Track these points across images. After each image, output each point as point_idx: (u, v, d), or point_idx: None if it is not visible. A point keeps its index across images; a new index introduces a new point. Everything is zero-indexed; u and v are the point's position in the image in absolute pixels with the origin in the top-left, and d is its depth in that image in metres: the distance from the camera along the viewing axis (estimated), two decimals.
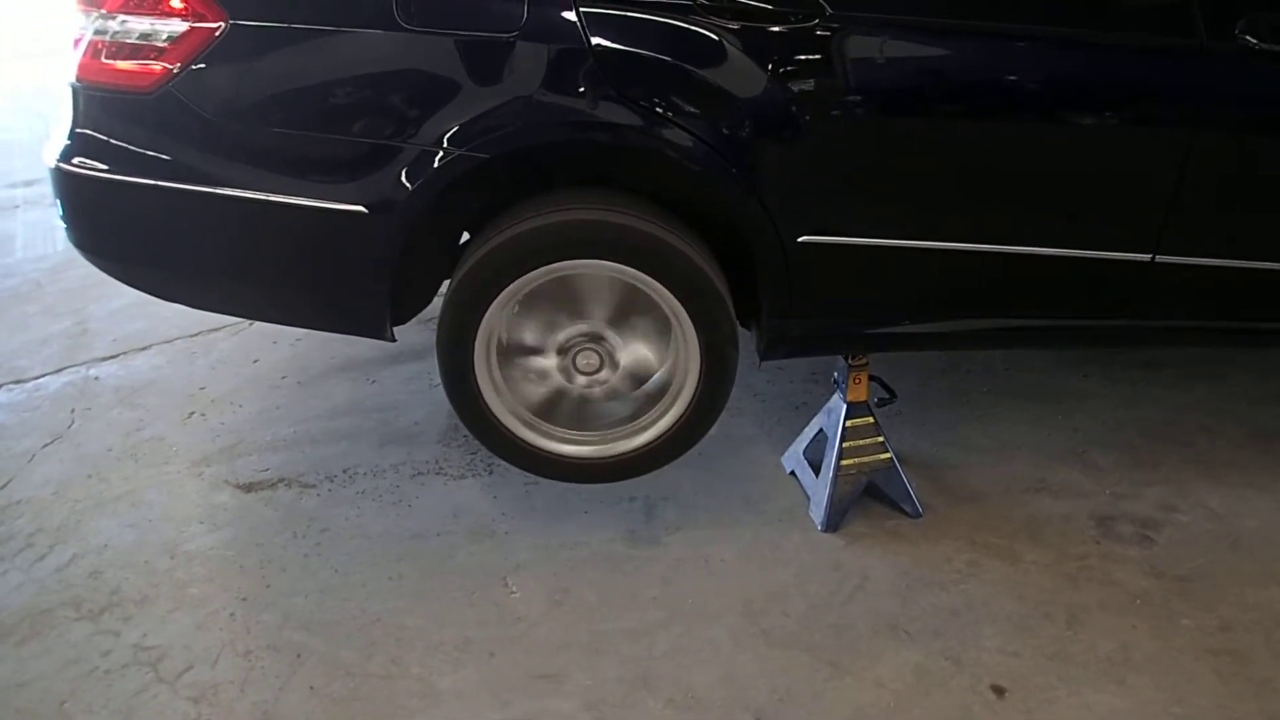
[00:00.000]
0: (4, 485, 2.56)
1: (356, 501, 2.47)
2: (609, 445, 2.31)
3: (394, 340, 2.32)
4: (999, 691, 1.91)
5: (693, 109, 2.07)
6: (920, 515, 2.38)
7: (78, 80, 2.16)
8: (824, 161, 2.13)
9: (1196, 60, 2.11)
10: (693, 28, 2.04)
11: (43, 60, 7.55)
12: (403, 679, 1.95)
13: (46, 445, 2.73)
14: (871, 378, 2.37)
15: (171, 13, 2.04)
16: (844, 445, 2.34)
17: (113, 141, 2.15)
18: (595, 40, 2.02)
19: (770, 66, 2.06)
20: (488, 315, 2.16)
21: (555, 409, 2.30)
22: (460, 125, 2.04)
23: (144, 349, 3.26)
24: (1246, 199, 2.26)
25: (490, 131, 2.05)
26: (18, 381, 3.08)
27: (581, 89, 2.05)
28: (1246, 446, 2.66)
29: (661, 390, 2.29)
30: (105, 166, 2.16)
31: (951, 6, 2.10)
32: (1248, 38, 2.08)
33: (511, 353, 2.25)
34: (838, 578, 2.20)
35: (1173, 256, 2.25)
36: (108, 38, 2.09)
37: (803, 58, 2.07)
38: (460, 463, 2.61)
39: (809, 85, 2.08)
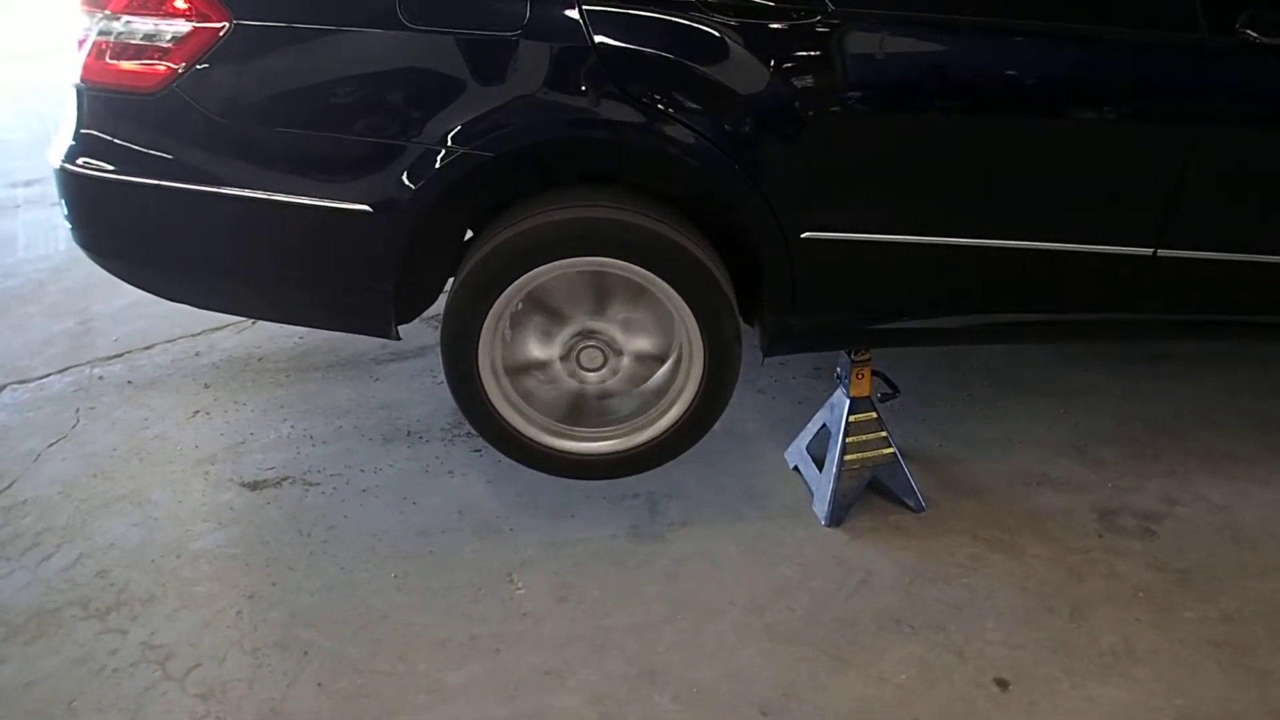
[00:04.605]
0: (9, 485, 2.56)
1: (361, 499, 2.48)
2: (613, 441, 2.32)
3: (399, 339, 2.33)
4: (1002, 684, 1.92)
5: (695, 106, 2.08)
6: (923, 510, 2.39)
7: (82, 81, 2.16)
8: (826, 158, 2.14)
9: (1198, 55, 2.12)
10: (695, 25, 2.05)
11: (43, 60, 7.54)
12: (410, 675, 1.96)
13: (51, 445, 2.73)
14: (874, 373, 2.38)
15: (175, 13, 2.05)
16: (847, 440, 2.35)
17: (117, 142, 2.16)
18: (598, 38, 2.03)
19: (772, 63, 2.06)
20: (491, 313, 2.17)
21: (558, 406, 2.30)
22: (463, 124, 2.05)
23: (147, 348, 3.26)
24: (1247, 193, 2.27)
25: (493, 130, 2.06)
26: (22, 382, 3.08)
27: (584, 87, 2.06)
28: (1248, 439, 2.67)
29: (665, 387, 2.30)
30: (110, 167, 2.17)
31: (952, 2, 2.11)
32: (1249, 32, 2.09)
33: (515, 350, 2.25)
34: (841, 572, 2.21)
35: (1174, 251, 2.26)
36: (112, 38, 2.09)
37: (804, 54, 2.08)
38: (464, 460, 2.62)
39: (811, 81, 2.09)
